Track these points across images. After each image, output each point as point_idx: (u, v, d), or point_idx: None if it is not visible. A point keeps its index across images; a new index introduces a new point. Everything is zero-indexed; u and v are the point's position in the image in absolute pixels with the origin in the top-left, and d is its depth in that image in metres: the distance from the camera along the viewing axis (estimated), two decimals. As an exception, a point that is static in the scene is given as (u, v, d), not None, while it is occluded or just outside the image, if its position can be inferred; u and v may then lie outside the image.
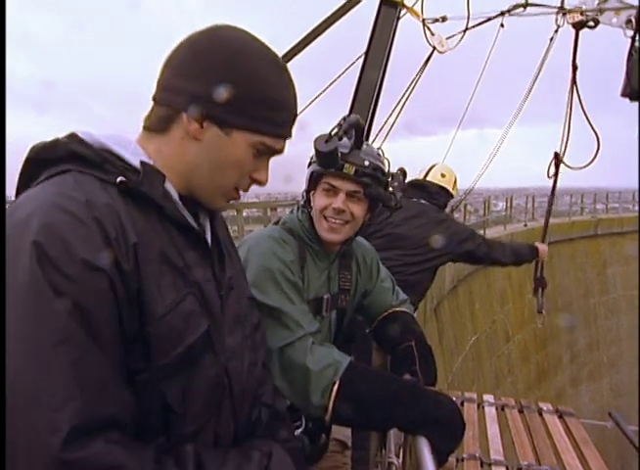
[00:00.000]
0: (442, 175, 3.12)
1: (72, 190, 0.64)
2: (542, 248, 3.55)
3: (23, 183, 0.70)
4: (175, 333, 0.68)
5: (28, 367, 0.56)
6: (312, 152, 1.27)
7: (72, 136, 0.70)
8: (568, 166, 3.71)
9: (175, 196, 0.74)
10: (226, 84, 0.70)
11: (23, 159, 0.70)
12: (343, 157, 1.22)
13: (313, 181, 1.29)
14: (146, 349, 0.65)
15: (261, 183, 0.81)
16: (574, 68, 3.51)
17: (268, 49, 0.76)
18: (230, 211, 6.96)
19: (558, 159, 3.65)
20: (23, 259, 0.58)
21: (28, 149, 0.70)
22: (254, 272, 1.15)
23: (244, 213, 6.61)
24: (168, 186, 0.73)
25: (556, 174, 3.74)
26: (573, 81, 3.51)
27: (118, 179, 0.67)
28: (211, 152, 0.74)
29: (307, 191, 1.33)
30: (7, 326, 0.56)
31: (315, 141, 1.19)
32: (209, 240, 0.81)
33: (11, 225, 0.61)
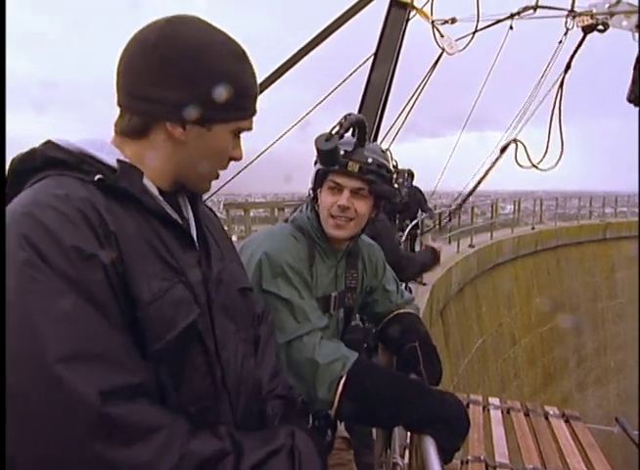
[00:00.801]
0: None
1: (53, 188, 0.67)
2: (437, 245, 3.22)
3: (10, 195, 0.72)
4: (166, 319, 0.70)
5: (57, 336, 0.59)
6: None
7: (48, 143, 0.73)
8: (531, 164, 3.73)
9: (154, 191, 0.77)
10: (201, 87, 0.74)
11: (7, 171, 0.73)
12: (347, 154, 1.24)
13: (319, 180, 1.31)
14: (138, 334, 0.68)
15: (238, 159, 0.86)
16: (567, 68, 3.50)
17: (229, 39, 0.79)
18: (237, 210, 7.00)
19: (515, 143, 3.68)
20: (14, 253, 0.61)
21: (9, 162, 0.73)
22: (265, 266, 1.16)
23: (251, 213, 6.63)
24: (146, 182, 0.76)
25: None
26: (561, 84, 3.51)
27: (97, 177, 0.70)
28: (197, 148, 0.79)
29: (314, 189, 1.34)
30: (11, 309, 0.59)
31: (316, 140, 1.20)
32: (194, 233, 0.83)
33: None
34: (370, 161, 1.25)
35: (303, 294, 1.18)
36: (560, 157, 3.79)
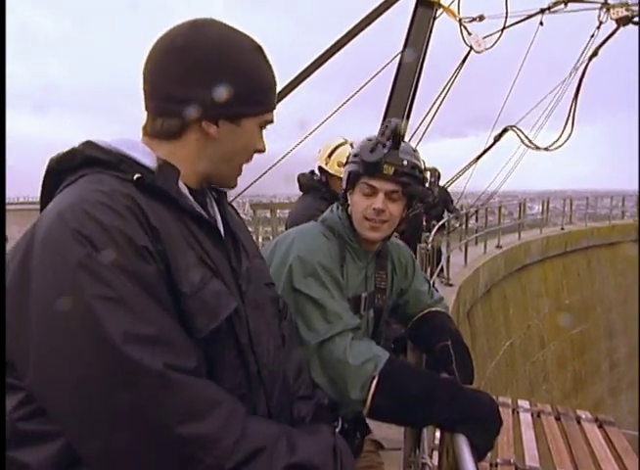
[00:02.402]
0: (340, 164, 2.47)
1: (97, 185, 0.70)
2: None
3: (46, 195, 0.76)
4: (209, 309, 0.72)
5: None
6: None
7: (88, 143, 0.75)
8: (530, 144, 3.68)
9: (186, 191, 0.80)
10: (229, 84, 0.77)
11: (44, 171, 0.76)
12: (383, 157, 1.25)
13: (351, 182, 1.31)
14: (183, 324, 0.70)
15: (263, 151, 0.89)
16: (593, 55, 3.42)
17: (248, 38, 0.83)
18: (264, 211, 7.06)
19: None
20: (69, 247, 0.63)
21: (47, 161, 0.76)
22: (297, 266, 1.18)
23: (277, 214, 6.67)
24: (180, 183, 0.79)
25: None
26: (584, 70, 3.42)
27: (136, 176, 0.72)
28: (228, 144, 0.82)
29: (345, 191, 1.35)
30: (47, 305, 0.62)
31: (361, 150, 1.25)
32: (222, 231, 0.86)
33: (43, 226, 0.66)
34: (405, 163, 1.26)
35: (335, 294, 1.19)
36: (570, 134, 3.72)
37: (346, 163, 1.36)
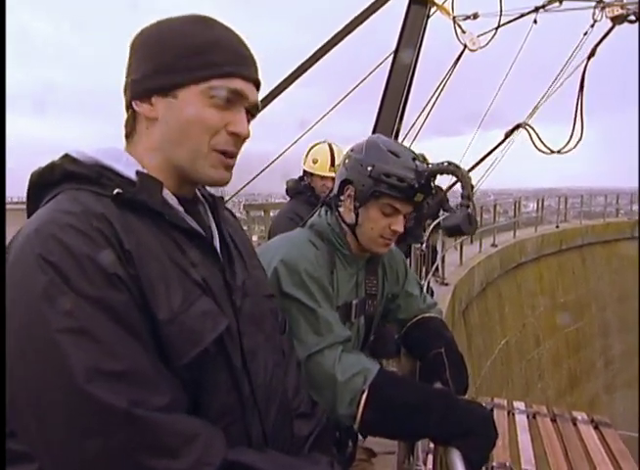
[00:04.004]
0: (314, 161, 2.64)
1: (69, 205, 0.65)
2: None
3: (32, 208, 0.72)
4: (191, 334, 0.68)
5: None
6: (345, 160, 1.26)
7: (65, 157, 0.71)
8: (542, 146, 3.61)
9: (174, 202, 0.74)
10: (159, 56, 0.73)
11: (27, 184, 0.72)
12: (420, 188, 1.21)
13: (370, 197, 1.22)
14: (161, 351, 0.66)
15: (240, 135, 0.76)
16: (591, 55, 3.38)
17: (195, 14, 0.77)
18: (258, 211, 7.02)
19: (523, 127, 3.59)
20: (33, 274, 0.59)
21: (29, 176, 0.72)
22: (282, 275, 1.13)
23: (271, 214, 6.63)
24: (166, 193, 0.74)
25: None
26: (584, 70, 3.39)
27: (115, 191, 0.68)
28: (170, 121, 0.73)
29: (358, 205, 1.26)
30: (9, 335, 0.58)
31: (402, 173, 1.19)
32: (217, 242, 0.81)
33: (14, 248, 0.63)
34: (434, 191, 1.24)
35: (323, 304, 1.14)
36: (580, 138, 3.66)
37: (345, 167, 1.28)
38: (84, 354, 0.58)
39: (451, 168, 1.33)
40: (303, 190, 2.67)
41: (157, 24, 0.76)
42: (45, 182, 0.71)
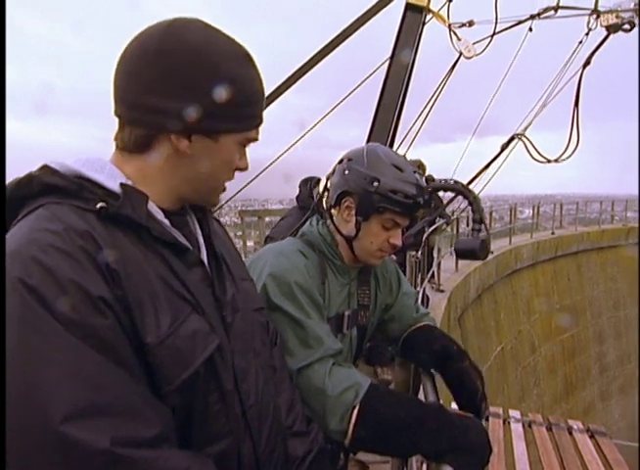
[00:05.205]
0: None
1: (49, 222, 0.61)
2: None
3: (11, 218, 0.67)
4: (180, 355, 0.65)
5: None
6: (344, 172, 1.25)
7: (44, 168, 0.67)
8: (538, 155, 3.62)
9: (160, 216, 0.72)
10: (206, 94, 0.68)
11: (5, 198, 0.67)
12: (425, 204, 1.21)
13: (368, 210, 1.19)
14: (150, 376, 0.63)
15: (244, 170, 0.81)
16: (587, 64, 3.40)
17: (233, 43, 0.73)
18: (252, 217, 6.99)
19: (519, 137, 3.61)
20: (11, 299, 0.55)
21: (7, 185, 0.67)
22: (272, 287, 1.10)
23: (267, 219, 6.61)
24: (151, 207, 0.71)
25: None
26: (580, 79, 3.40)
27: (98, 205, 0.64)
28: (203, 161, 0.74)
29: (361, 220, 1.22)
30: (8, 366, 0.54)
31: (404, 188, 1.17)
32: (205, 257, 0.78)
33: None
34: (433, 205, 1.24)
35: (313, 316, 1.11)
36: (576, 147, 3.68)
37: (365, 191, 1.20)
38: (63, 388, 0.54)
39: (460, 188, 1.32)
40: (314, 208, 2.46)
41: (192, 44, 0.69)
42: (23, 195, 0.66)
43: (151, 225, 0.68)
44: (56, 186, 0.66)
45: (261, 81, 0.76)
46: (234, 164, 0.78)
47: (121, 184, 0.68)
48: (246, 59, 0.74)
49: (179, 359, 0.64)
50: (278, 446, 0.82)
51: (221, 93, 0.70)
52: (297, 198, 2.56)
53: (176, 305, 0.67)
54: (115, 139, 0.73)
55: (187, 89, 0.68)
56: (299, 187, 2.56)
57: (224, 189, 0.81)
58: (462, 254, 1.55)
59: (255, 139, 0.79)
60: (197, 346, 0.67)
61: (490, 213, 11.88)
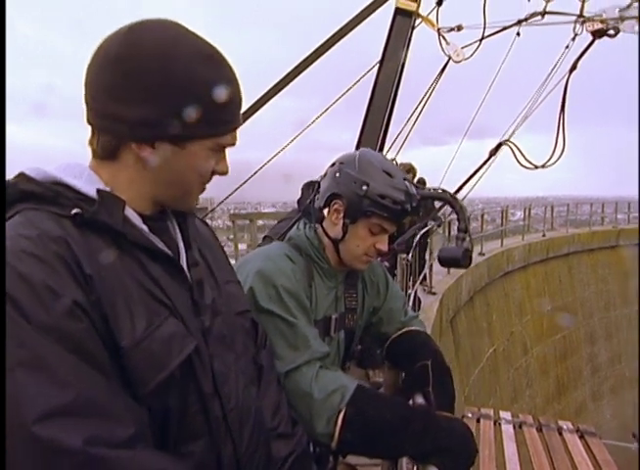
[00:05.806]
0: None
1: (24, 229, 0.62)
2: None
3: None
4: (156, 359, 0.65)
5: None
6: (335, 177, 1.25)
7: (20, 176, 0.67)
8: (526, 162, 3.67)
9: (138, 221, 0.71)
10: (168, 100, 0.66)
11: None
12: (413, 211, 1.22)
13: (356, 214, 1.20)
14: (126, 379, 0.63)
15: (224, 174, 0.79)
16: (573, 68, 3.44)
17: (199, 43, 0.69)
18: (244, 220, 6.97)
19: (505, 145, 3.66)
20: None
21: None
22: (258, 290, 1.11)
23: (259, 222, 6.59)
24: (129, 212, 0.70)
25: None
26: (566, 83, 3.45)
27: (73, 211, 0.64)
28: (170, 167, 0.72)
29: (348, 223, 1.23)
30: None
31: (399, 196, 1.18)
32: (185, 262, 0.78)
33: None
34: (421, 213, 1.25)
35: (300, 318, 1.12)
36: (562, 152, 3.73)
37: (335, 180, 1.24)
38: (36, 390, 0.54)
39: (447, 198, 1.34)
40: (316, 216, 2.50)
41: (154, 47, 0.66)
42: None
43: (127, 231, 0.68)
44: (32, 193, 0.66)
45: (234, 83, 0.72)
46: (206, 169, 0.75)
47: (98, 190, 0.68)
48: (212, 57, 0.70)
49: (154, 362, 0.65)
50: (260, 447, 0.82)
51: (184, 98, 0.66)
52: (299, 201, 2.56)
53: (153, 309, 0.67)
54: (90, 145, 0.73)
55: (147, 96, 0.66)
56: (302, 190, 2.56)
57: (201, 192, 0.79)
58: (445, 261, 1.59)
59: (231, 144, 0.76)
60: (173, 349, 0.67)
61: (482, 216, 11.94)
